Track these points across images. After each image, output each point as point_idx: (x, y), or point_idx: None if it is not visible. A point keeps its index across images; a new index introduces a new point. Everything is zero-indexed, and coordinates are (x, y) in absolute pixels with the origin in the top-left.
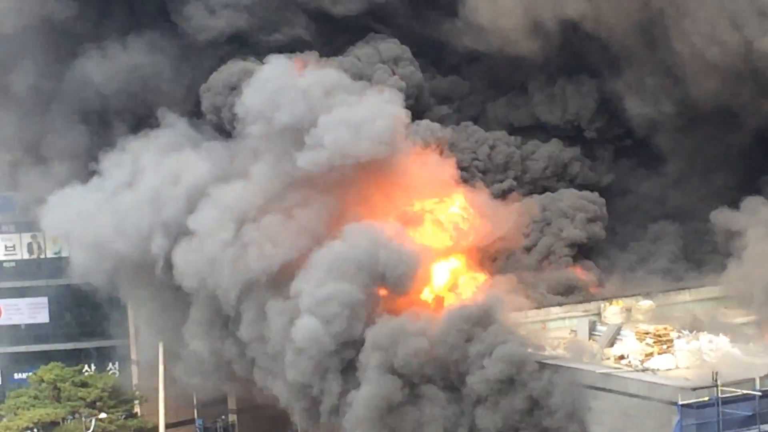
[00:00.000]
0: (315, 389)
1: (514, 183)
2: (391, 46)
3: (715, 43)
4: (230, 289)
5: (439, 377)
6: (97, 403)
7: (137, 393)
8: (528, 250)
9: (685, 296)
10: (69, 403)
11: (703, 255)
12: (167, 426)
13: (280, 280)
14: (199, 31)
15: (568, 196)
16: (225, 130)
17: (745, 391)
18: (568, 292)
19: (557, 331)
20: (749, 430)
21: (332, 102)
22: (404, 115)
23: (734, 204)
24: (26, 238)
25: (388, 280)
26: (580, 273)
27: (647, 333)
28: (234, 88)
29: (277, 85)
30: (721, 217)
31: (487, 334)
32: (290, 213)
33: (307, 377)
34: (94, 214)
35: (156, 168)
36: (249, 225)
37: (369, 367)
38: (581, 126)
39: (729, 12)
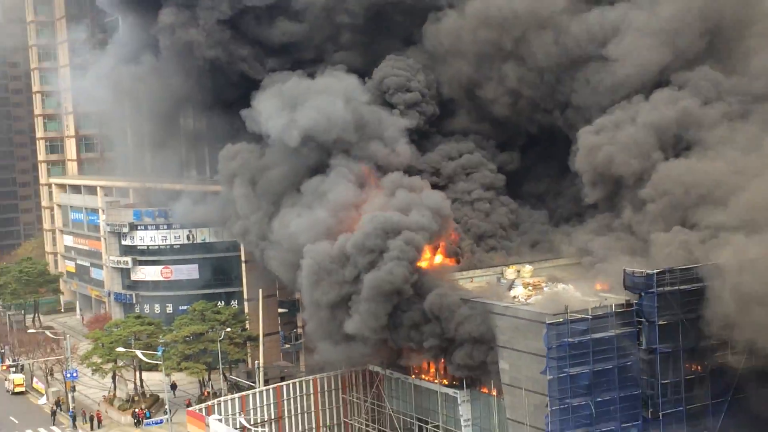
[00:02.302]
0: None
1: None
2: None
3: None
4: None
5: None
6: (225, 322)
7: (247, 317)
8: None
9: (550, 264)
10: (209, 322)
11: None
12: (264, 335)
13: None
14: None
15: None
16: None
17: (582, 316)
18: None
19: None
20: (585, 337)
21: None
22: None
23: None
24: (185, 231)
25: None
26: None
27: (529, 284)
28: None
29: None
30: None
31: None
32: None
33: None
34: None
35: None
36: None
37: None
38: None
39: None
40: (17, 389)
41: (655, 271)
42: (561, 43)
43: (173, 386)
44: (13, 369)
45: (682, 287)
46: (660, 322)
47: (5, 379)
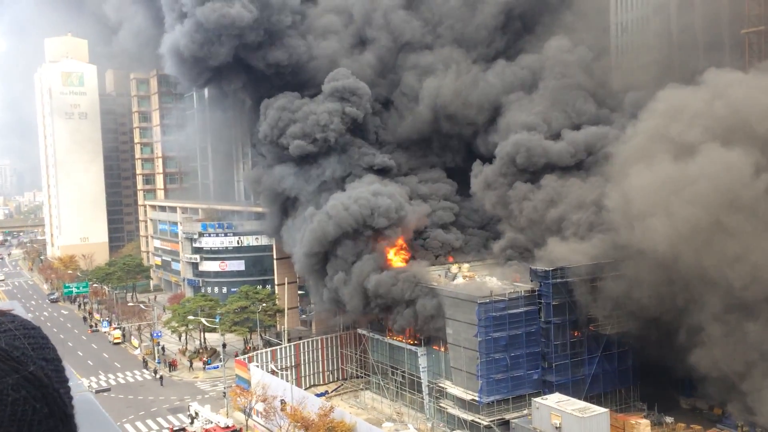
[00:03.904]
0: None
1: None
2: None
3: None
4: None
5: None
6: (262, 300)
7: (277, 296)
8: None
9: (482, 263)
10: (251, 299)
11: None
12: (288, 308)
13: None
14: None
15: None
16: None
17: (501, 298)
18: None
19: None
20: (503, 312)
21: None
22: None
23: None
24: (236, 238)
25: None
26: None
27: (466, 276)
28: None
29: None
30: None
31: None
32: None
33: None
34: None
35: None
36: None
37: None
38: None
39: None
40: (116, 341)
41: (551, 269)
42: (468, 121)
43: (223, 345)
44: (117, 329)
45: (567, 279)
46: (554, 303)
47: (108, 334)
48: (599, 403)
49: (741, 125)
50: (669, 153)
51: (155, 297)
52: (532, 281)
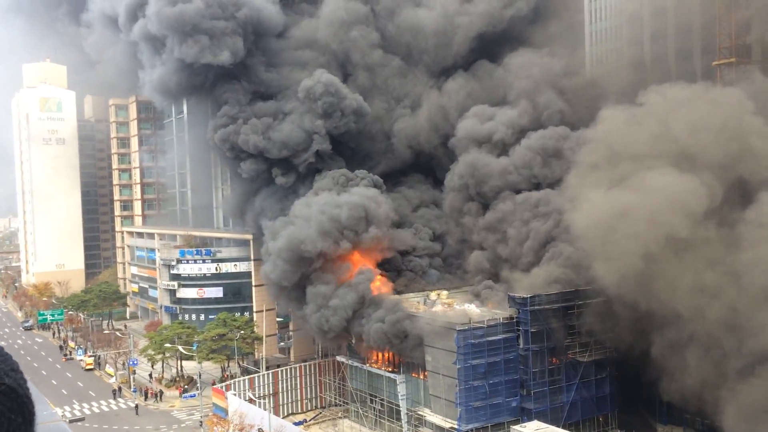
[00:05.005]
0: None
1: None
2: None
3: None
4: None
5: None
6: (240, 327)
7: (255, 323)
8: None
9: (460, 290)
10: (228, 326)
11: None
12: (266, 336)
13: None
14: None
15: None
16: None
17: (480, 325)
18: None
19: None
20: (482, 339)
21: None
22: None
23: None
24: (214, 265)
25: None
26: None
27: (445, 302)
28: None
29: None
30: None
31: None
32: None
33: None
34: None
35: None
36: None
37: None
38: None
39: None
40: (88, 367)
41: (528, 296)
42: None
43: (199, 374)
44: (91, 356)
45: (544, 307)
46: (532, 330)
47: (81, 360)
48: (577, 431)
49: (682, 155)
50: (605, 185)
51: (125, 326)
52: (510, 308)
